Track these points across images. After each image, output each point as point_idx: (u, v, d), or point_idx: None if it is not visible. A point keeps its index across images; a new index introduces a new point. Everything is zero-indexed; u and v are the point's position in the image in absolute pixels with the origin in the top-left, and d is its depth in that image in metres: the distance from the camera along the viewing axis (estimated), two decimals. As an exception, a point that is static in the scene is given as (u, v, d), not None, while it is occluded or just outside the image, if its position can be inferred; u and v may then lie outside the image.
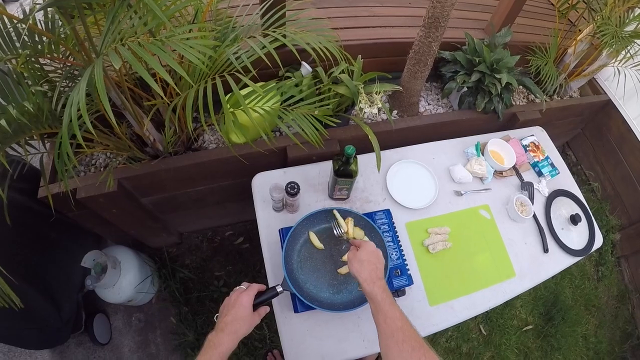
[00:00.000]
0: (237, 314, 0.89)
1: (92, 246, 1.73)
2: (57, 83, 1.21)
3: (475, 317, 2.18)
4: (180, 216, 1.90)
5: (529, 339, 2.25)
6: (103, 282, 1.64)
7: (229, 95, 1.27)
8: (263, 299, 0.99)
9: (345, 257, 1.22)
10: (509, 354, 2.15)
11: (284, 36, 1.21)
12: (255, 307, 0.96)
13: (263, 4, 1.37)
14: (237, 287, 0.97)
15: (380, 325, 0.84)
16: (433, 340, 2.08)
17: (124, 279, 1.75)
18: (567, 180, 1.75)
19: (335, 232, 1.18)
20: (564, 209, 1.67)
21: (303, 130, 1.27)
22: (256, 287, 0.97)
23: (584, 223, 1.64)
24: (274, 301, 1.19)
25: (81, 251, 1.65)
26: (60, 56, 1.18)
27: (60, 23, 1.12)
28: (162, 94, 1.16)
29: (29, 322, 1.49)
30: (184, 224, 2.05)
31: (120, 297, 1.76)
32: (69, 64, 1.25)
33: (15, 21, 1.00)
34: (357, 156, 1.35)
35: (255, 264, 2.08)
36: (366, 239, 1.25)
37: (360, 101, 1.40)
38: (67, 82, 1.31)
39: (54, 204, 1.26)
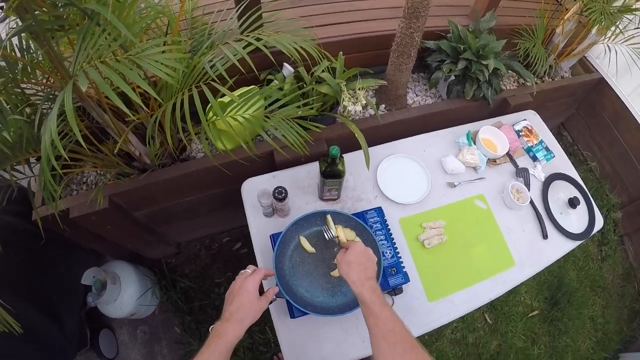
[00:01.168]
0: (243, 301, 0.86)
1: (91, 263, 1.74)
2: (39, 105, 1.21)
3: (479, 306, 2.18)
4: (175, 227, 1.89)
5: (536, 324, 2.23)
6: (104, 298, 1.65)
7: (209, 106, 1.25)
8: None
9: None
10: (516, 341, 2.14)
11: (258, 39, 1.19)
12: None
13: (237, 7, 1.35)
14: (242, 271, 0.93)
15: (372, 328, 0.82)
16: (438, 331, 2.08)
17: (124, 294, 1.76)
18: (563, 163, 1.73)
19: (326, 235, 1.16)
20: (561, 192, 1.64)
21: (285, 137, 1.25)
22: (263, 271, 0.94)
23: (582, 206, 1.61)
24: (271, 308, 1.19)
25: (80, 269, 1.65)
26: (40, 79, 1.17)
27: (34, 47, 1.11)
28: (137, 110, 1.16)
29: (32, 343, 1.49)
30: (180, 234, 2.05)
31: (122, 311, 1.77)
32: (49, 86, 1.24)
33: None
34: (347, 154, 1.34)
35: (256, 271, 2.07)
36: (358, 239, 1.23)
37: (343, 99, 1.38)
38: (49, 103, 1.30)
39: (50, 225, 1.27)
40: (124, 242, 1.76)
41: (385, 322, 0.81)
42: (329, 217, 1.20)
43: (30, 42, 1.05)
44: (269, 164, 1.52)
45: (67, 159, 1.02)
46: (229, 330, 0.81)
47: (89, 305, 1.71)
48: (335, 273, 1.20)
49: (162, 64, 0.86)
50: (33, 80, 1.09)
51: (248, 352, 1.89)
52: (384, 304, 0.85)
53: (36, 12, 0.85)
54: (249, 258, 2.11)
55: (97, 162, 1.40)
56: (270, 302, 1.01)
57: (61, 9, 1.00)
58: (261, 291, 0.94)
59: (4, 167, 1.09)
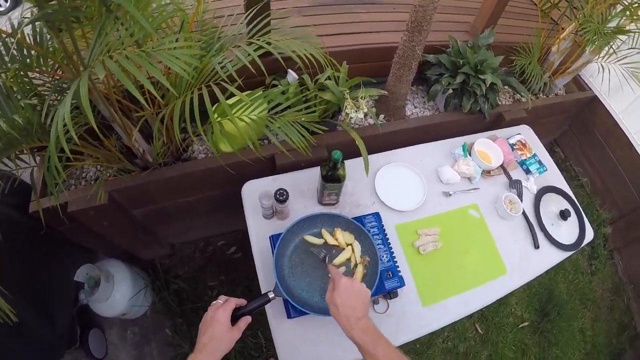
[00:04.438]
0: (215, 332, 0.85)
1: (85, 260, 1.73)
2: (46, 97, 1.22)
3: (471, 316, 2.21)
4: (171, 227, 1.90)
5: (526, 335, 2.26)
6: (97, 295, 1.64)
7: (215, 105, 1.28)
8: (254, 307, 0.99)
9: (336, 261, 1.23)
10: (506, 352, 2.16)
11: (269, 44, 1.22)
12: (248, 313, 0.95)
13: (248, 12, 1.38)
14: (214, 302, 0.92)
15: None
16: (430, 341, 2.09)
17: (117, 292, 1.75)
18: (555, 177, 1.77)
19: (314, 251, 1.19)
20: (553, 205, 1.68)
21: (290, 138, 1.28)
22: (234, 302, 0.93)
23: (573, 218, 1.65)
24: (267, 308, 1.20)
25: (74, 265, 1.64)
26: (49, 70, 1.19)
27: (48, 37, 1.13)
28: (147, 105, 1.18)
29: (22, 337, 1.48)
30: (175, 235, 2.05)
31: (114, 310, 1.76)
32: (58, 77, 1.26)
33: (4, 35, 1.00)
34: (345, 161, 1.36)
35: (248, 273, 2.08)
36: (357, 243, 1.26)
37: (346, 107, 1.42)
38: (56, 95, 1.32)
39: (46, 218, 1.26)
40: (119, 240, 1.76)
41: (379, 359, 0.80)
42: (324, 230, 1.22)
43: (46, 30, 1.06)
44: (269, 167, 1.54)
45: (70, 150, 1.03)
46: None
47: (80, 302, 1.70)
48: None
49: (177, 58, 0.88)
50: (44, 69, 1.10)
51: (240, 356, 1.89)
52: (376, 342, 0.83)
53: (54, 2, 0.87)
54: (243, 262, 2.13)
55: (99, 156, 1.41)
56: (268, 302, 1.02)
57: (79, 1, 1.03)
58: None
59: (10, 153, 1.09)
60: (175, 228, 1.91)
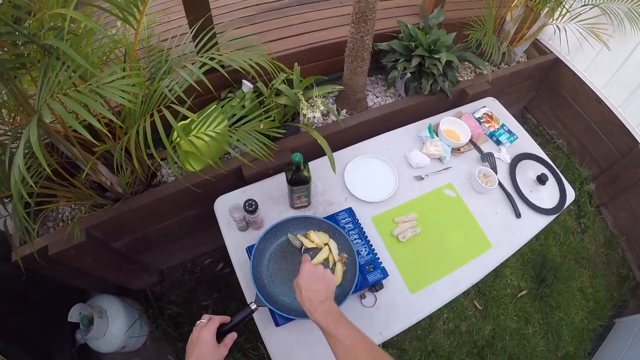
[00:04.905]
0: (201, 351, 0.85)
1: (76, 299, 1.72)
2: (7, 145, 1.22)
3: (467, 294, 2.22)
4: (155, 254, 1.89)
5: (526, 304, 2.27)
6: (92, 333, 1.63)
7: (173, 129, 1.28)
8: (239, 320, 0.99)
9: (314, 261, 1.23)
10: (509, 323, 2.17)
11: (212, 59, 1.22)
12: (235, 327, 0.96)
13: (191, 30, 1.39)
14: (198, 322, 0.93)
15: (333, 350, 0.83)
16: (430, 324, 2.09)
17: (113, 327, 1.74)
18: (527, 143, 1.79)
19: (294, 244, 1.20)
20: (529, 171, 1.69)
21: (250, 148, 1.28)
22: (217, 320, 0.93)
23: (552, 181, 1.66)
24: (256, 318, 1.20)
25: (66, 306, 1.64)
26: (7, 119, 1.19)
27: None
28: (106, 137, 1.18)
29: None
30: (161, 261, 2.05)
31: (112, 345, 1.75)
32: (17, 125, 1.26)
33: None
34: (313, 161, 1.37)
35: (239, 287, 2.05)
36: (332, 241, 1.26)
37: (302, 108, 1.42)
38: (17, 142, 1.31)
39: (29, 264, 1.26)
40: (106, 274, 1.76)
41: (342, 341, 0.81)
42: (290, 235, 1.24)
43: None
44: (238, 180, 1.54)
45: (39, 194, 1.03)
46: None
47: (78, 342, 1.69)
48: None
49: (122, 90, 0.88)
50: (0, 120, 1.10)
51: (243, 369, 1.89)
52: (339, 323, 0.85)
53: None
54: (233, 277, 2.09)
55: (70, 195, 1.40)
56: (252, 313, 1.02)
57: (21, 47, 1.03)
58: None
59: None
60: (159, 254, 1.91)
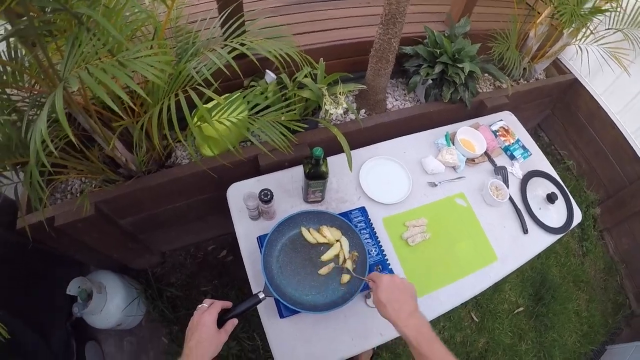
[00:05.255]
0: (202, 336, 0.85)
1: (76, 273, 1.72)
2: (25, 112, 1.21)
3: (465, 305, 2.22)
4: (160, 235, 1.89)
5: (522, 320, 2.27)
6: (90, 308, 1.63)
7: (194, 110, 1.28)
8: (244, 308, 0.99)
9: (324, 257, 1.24)
10: (503, 338, 2.17)
11: (243, 45, 1.22)
12: (239, 315, 0.95)
13: (221, 15, 1.38)
14: (200, 306, 0.92)
15: None
16: (426, 331, 2.10)
17: (110, 304, 1.74)
18: (540, 161, 1.79)
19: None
20: (539, 189, 1.69)
21: (271, 138, 1.28)
22: (219, 305, 0.92)
23: (561, 201, 1.67)
24: (260, 308, 1.20)
25: (65, 279, 1.63)
26: (26, 85, 1.18)
27: (23, 52, 1.12)
28: (126, 114, 1.17)
29: (18, 356, 1.47)
30: (165, 243, 2.05)
31: (109, 322, 1.75)
32: (35, 92, 1.25)
33: None
34: (329, 157, 1.37)
35: (240, 276, 2.06)
36: (344, 238, 1.26)
37: (325, 103, 1.42)
38: (35, 110, 1.31)
39: (33, 234, 1.25)
40: (109, 250, 1.75)
41: None
42: (303, 229, 1.24)
43: (19, 46, 1.06)
44: (253, 168, 1.54)
45: (53, 164, 1.02)
46: None
47: (74, 316, 1.69)
48: (323, 271, 1.22)
49: (151, 66, 0.88)
50: (20, 85, 1.09)
51: (237, 359, 1.89)
52: (432, 342, 0.81)
53: (25, 18, 0.87)
54: (235, 265, 2.12)
55: (82, 168, 1.40)
56: (259, 302, 1.02)
57: (49, 15, 1.02)
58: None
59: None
60: (164, 235, 1.91)
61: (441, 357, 0.79)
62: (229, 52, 1.19)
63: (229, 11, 1.35)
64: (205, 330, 0.86)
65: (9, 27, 0.88)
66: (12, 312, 1.43)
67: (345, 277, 1.20)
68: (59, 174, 1.38)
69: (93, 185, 1.58)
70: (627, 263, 2.57)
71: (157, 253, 2.04)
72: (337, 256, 1.24)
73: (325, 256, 1.23)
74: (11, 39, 1.06)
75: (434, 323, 2.13)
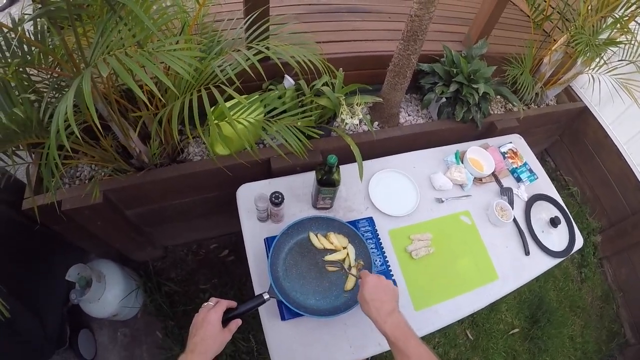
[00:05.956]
0: (206, 332, 0.86)
1: (76, 260, 1.72)
2: (45, 93, 1.22)
3: (462, 322, 2.22)
4: (165, 229, 1.90)
5: (516, 342, 2.27)
6: (88, 296, 1.63)
7: (213, 108, 1.30)
8: (248, 308, 1.00)
9: (328, 257, 1.25)
10: (496, 358, 2.17)
11: (268, 49, 1.24)
12: (241, 315, 0.96)
13: (247, 18, 1.41)
14: (205, 304, 0.93)
15: None
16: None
17: (109, 293, 1.73)
18: (545, 185, 1.80)
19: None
20: (543, 212, 1.71)
21: (287, 141, 1.30)
22: (225, 303, 0.94)
23: (563, 225, 1.68)
24: (261, 310, 1.20)
25: (65, 265, 1.63)
26: (49, 66, 1.19)
27: (49, 34, 1.13)
28: (148, 104, 1.19)
29: (12, 336, 1.47)
30: (168, 237, 2.05)
31: (105, 311, 1.74)
32: (57, 75, 1.26)
33: (5, 30, 1.01)
34: (340, 166, 1.38)
35: (240, 276, 2.08)
36: (351, 246, 1.27)
37: (341, 112, 1.44)
38: (55, 92, 1.32)
39: (39, 216, 1.25)
40: (112, 240, 1.76)
41: (410, 357, 0.81)
42: (311, 234, 1.25)
43: (47, 27, 1.07)
44: (264, 171, 1.55)
45: (71, 144, 1.02)
46: None
47: (71, 302, 1.68)
48: (329, 268, 1.23)
49: (179, 59, 0.89)
50: (43, 66, 1.10)
51: (230, 359, 1.88)
52: (408, 338, 0.84)
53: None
54: (236, 265, 2.13)
55: (94, 155, 1.41)
56: (263, 303, 1.03)
57: None
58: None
59: (7, 148, 1.09)
60: (168, 230, 1.91)
61: (417, 352, 0.82)
62: (255, 55, 1.21)
63: (255, 15, 1.37)
64: (210, 328, 0.87)
65: (35, 7, 0.90)
66: (11, 290, 1.42)
67: (349, 284, 1.21)
68: (70, 159, 1.38)
69: (103, 174, 1.59)
70: (624, 292, 2.58)
71: (160, 247, 2.05)
72: (342, 262, 1.25)
73: (331, 257, 1.24)
74: (39, 20, 1.08)
75: (429, 338, 2.13)
